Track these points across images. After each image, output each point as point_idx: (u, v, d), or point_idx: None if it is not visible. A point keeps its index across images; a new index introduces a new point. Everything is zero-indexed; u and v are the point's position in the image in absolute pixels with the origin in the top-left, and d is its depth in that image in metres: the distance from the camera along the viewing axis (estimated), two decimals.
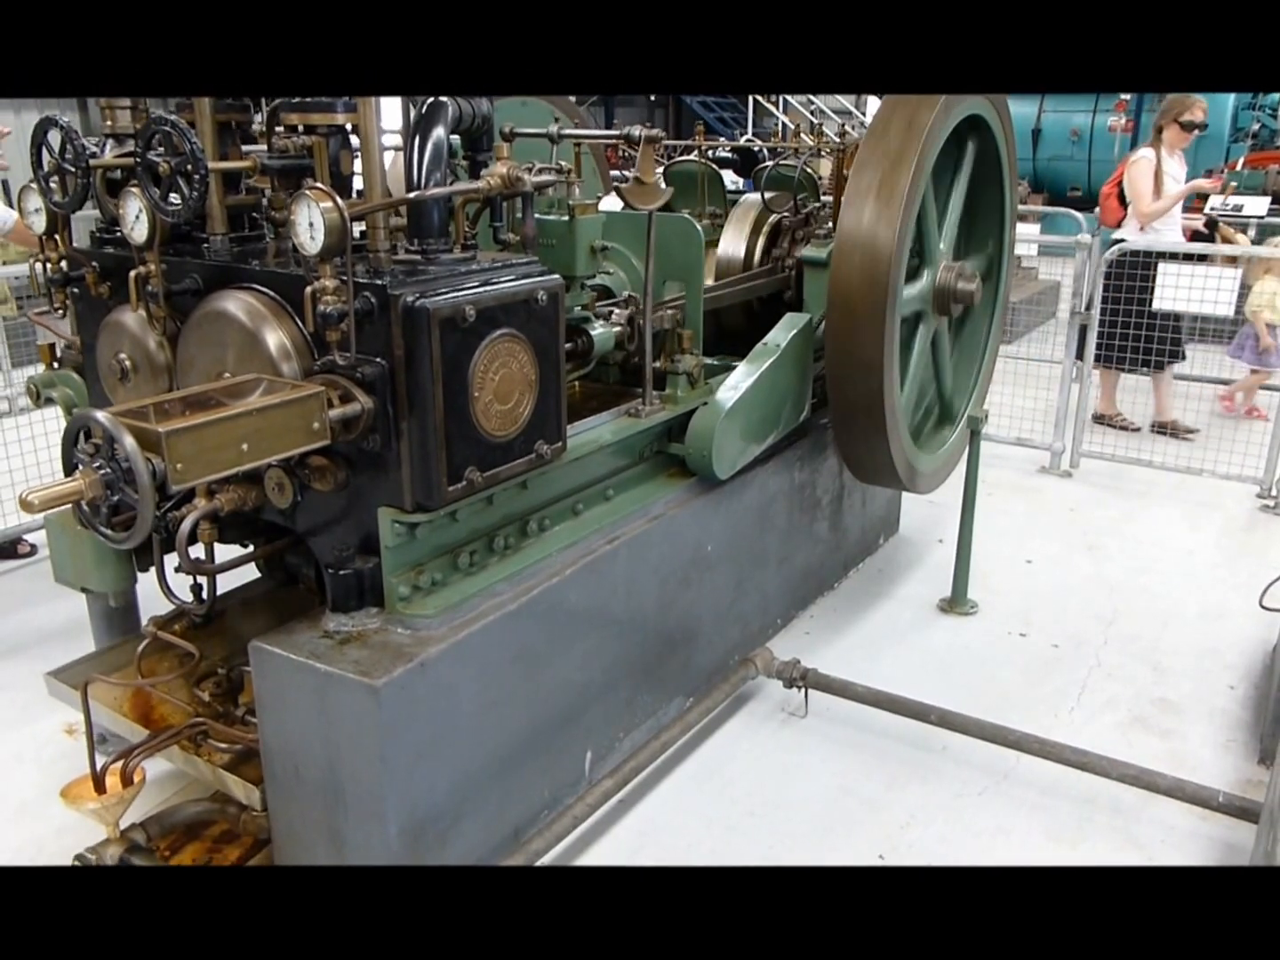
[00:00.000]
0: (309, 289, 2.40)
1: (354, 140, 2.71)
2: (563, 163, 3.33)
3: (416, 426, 2.50)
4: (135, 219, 2.68)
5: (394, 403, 2.50)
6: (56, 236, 3.05)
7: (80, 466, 2.23)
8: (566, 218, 3.25)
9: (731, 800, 3.38)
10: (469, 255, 2.72)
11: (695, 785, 3.45)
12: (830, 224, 4.24)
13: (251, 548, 3.14)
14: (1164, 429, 7.09)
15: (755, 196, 4.47)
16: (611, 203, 4.19)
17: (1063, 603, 4.72)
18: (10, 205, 5.29)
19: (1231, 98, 13.80)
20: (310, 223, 2.38)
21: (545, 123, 3.78)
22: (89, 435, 2.24)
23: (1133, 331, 6.69)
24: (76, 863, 2.66)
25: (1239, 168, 11.98)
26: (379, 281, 2.45)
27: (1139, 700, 3.97)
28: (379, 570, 2.66)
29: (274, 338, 2.57)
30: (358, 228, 2.59)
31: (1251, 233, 9.08)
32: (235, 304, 2.62)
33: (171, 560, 2.87)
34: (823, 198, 4.65)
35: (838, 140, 4.51)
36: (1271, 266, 7.47)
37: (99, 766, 2.67)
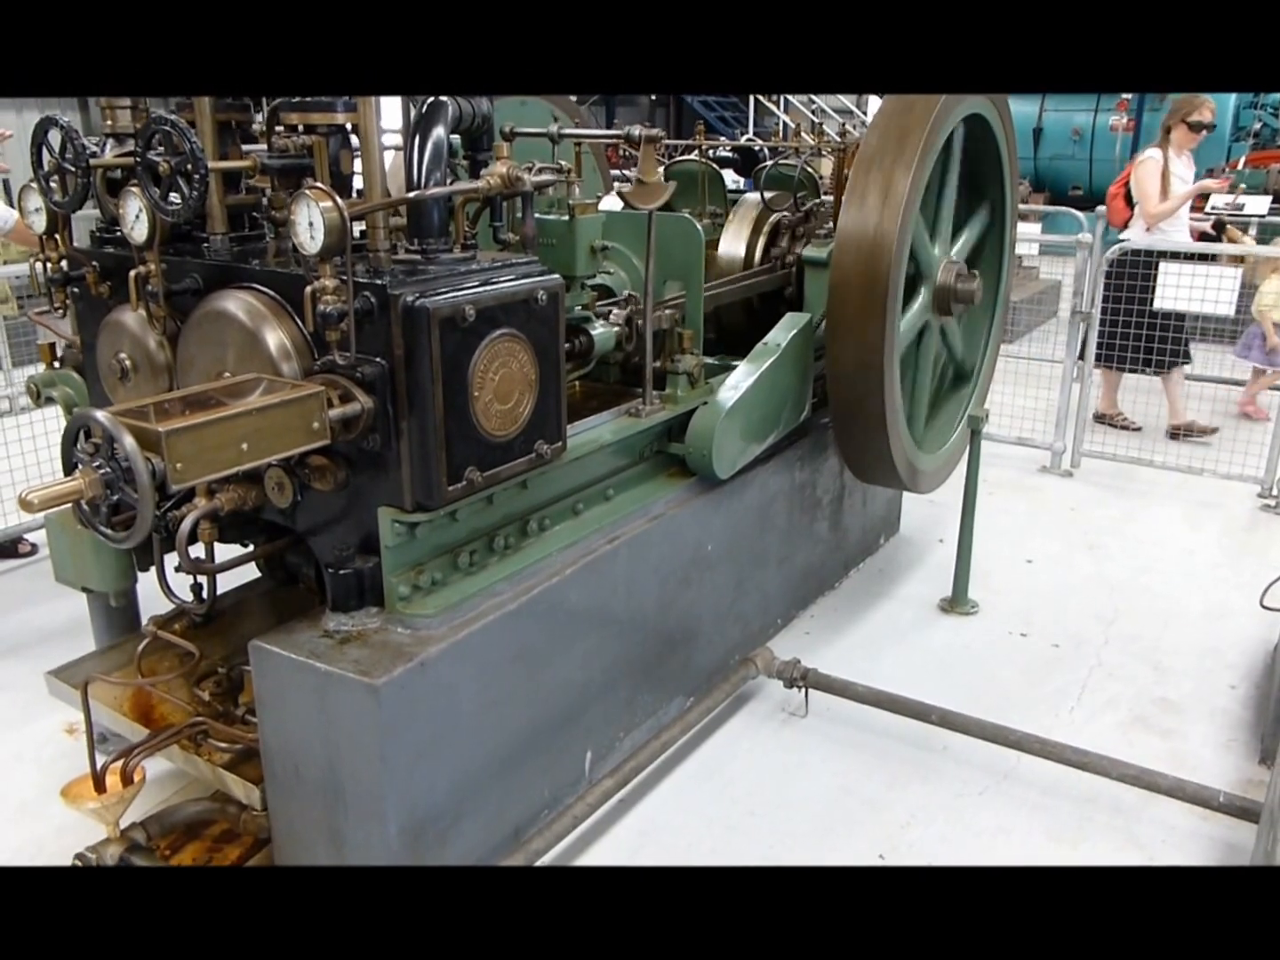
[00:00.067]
0: (309, 289, 2.40)
1: (354, 140, 2.71)
2: (563, 162, 3.33)
3: (416, 426, 2.50)
4: (135, 218, 2.68)
5: (394, 402, 2.50)
6: (57, 236, 3.04)
7: (80, 466, 2.23)
8: (566, 217, 3.24)
9: (732, 800, 3.38)
10: (469, 255, 2.72)
11: (695, 785, 3.45)
12: (831, 223, 4.24)
13: (251, 547, 3.14)
14: (1179, 433, 6.95)
15: (755, 196, 4.47)
16: (611, 202, 4.19)
17: (1063, 602, 4.72)
18: (11, 205, 5.28)
19: (1233, 96, 13.79)
20: (310, 222, 2.37)
21: (543, 122, 3.78)
22: (89, 435, 2.24)
23: (1133, 331, 6.68)
24: (76, 862, 2.65)
25: (1240, 166, 11.97)
26: (379, 281, 2.45)
27: (1140, 700, 3.97)
28: (379, 570, 2.66)
29: (274, 337, 2.57)
30: (358, 227, 2.59)
31: (1253, 231, 9.07)
32: (235, 303, 2.62)
33: (172, 560, 2.87)
34: (823, 197, 4.65)
35: (838, 139, 4.51)
36: (1279, 266, 7.46)
37: (99, 766, 2.67)
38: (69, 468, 2.26)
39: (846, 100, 18.31)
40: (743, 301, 4.37)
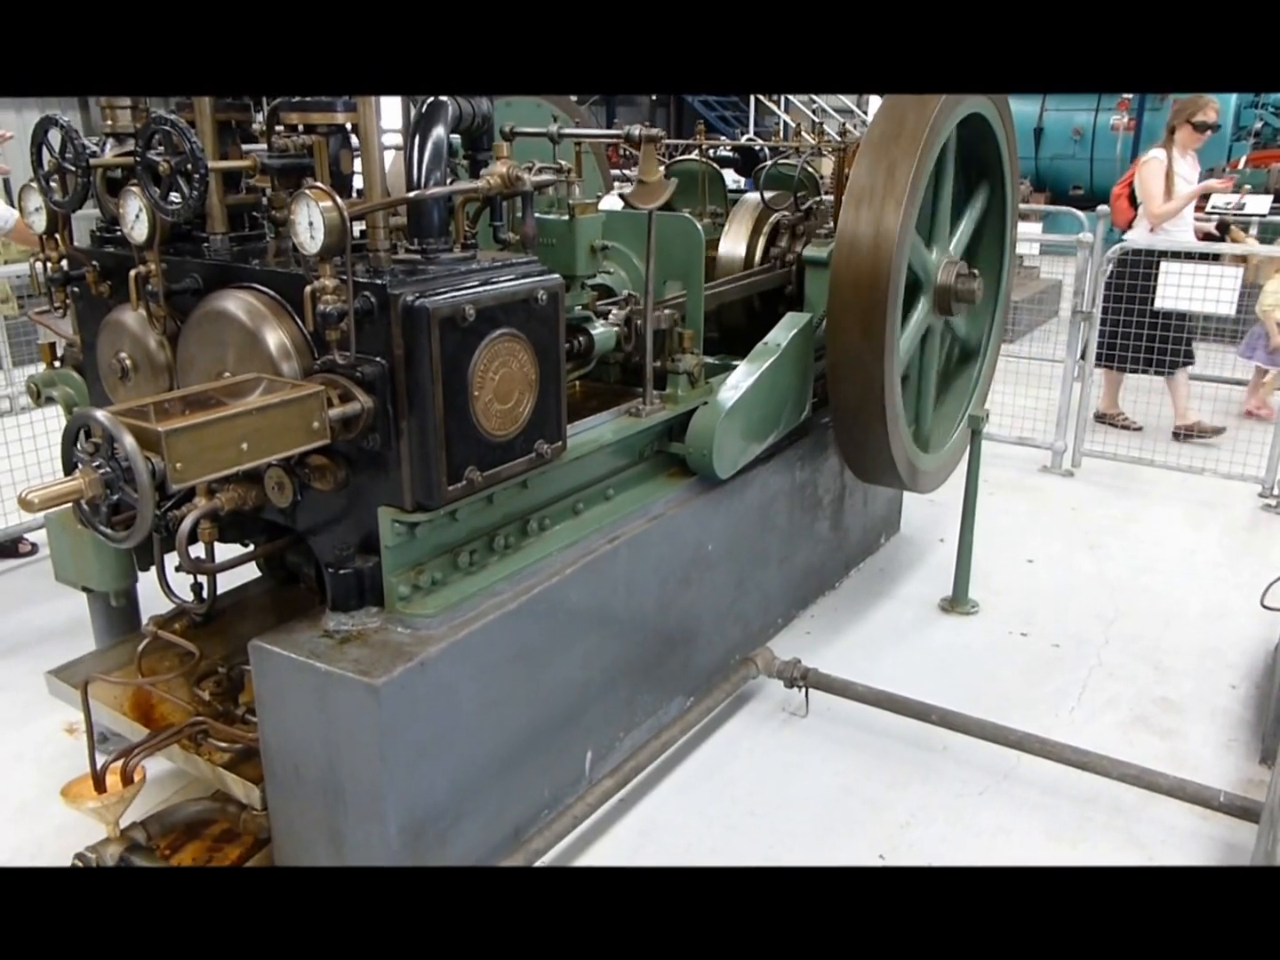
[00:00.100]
0: (309, 288, 2.40)
1: (354, 140, 2.71)
2: (563, 162, 3.33)
3: (416, 426, 2.50)
4: (135, 218, 2.68)
5: (394, 402, 2.50)
6: (57, 235, 3.05)
7: (80, 465, 2.23)
8: (566, 217, 3.25)
9: (732, 800, 3.38)
10: (469, 255, 2.72)
11: (696, 785, 3.45)
12: (831, 223, 4.24)
13: (252, 547, 3.14)
14: (1184, 434, 6.90)
15: (756, 196, 4.47)
16: (611, 202, 4.19)
17: (1064, 602, 4.72)
18: (11, 204, 5.28)
19: (1234, 96, 13.78)
20: (310, 222, 2.37)
21: (536, 120, 3.77)
22: (89, 434, 2.24)
23: (1133, 330, 6.68)
24: (77, 862, 2.66)
25: (1241, 166, 11.97)
26: (379, 281, 2.45)
27: (1140, 700, 3.97)
28: (379, 569, 2.66)
29: (274, 337, 2.57)
30: (357, 227, 2.58)
31: (1253, 231, 9.06)
32: (235, 303, 2.62)
33: (172, 559, 2.87)
34: (824, 196, 4.64)
35: (839, 139, 4.50)
36: None
37: (99, 765, 2.68)
38: (69, 467, 2.26)
39: (847, 100, 18.31)
40: (743, 301, 4.37)
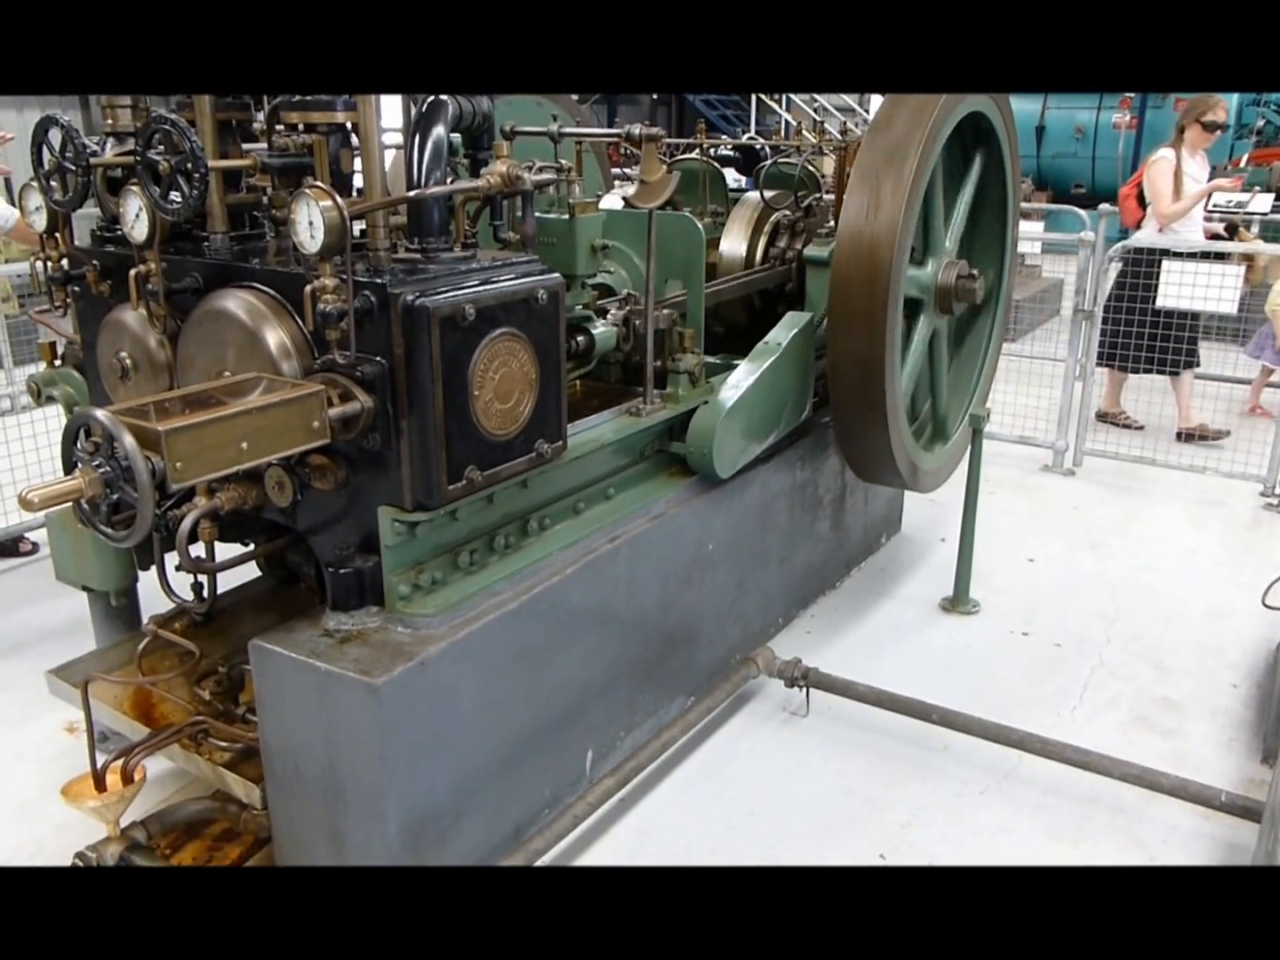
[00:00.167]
0: (309, 288, 2.40)
1: (354, 139, 2.71)
2: (563, 161, 3.32)
3: (416, 425, 2.50)
4: (135, 217, 2.68)
5: (394, 401, 2.50)
6: (57, 235, 3.05)
7: (80, 465, 2.23)
8: (567, 216, 3.24)
9: (732, 799, 3.38)
10: (469, 254, 2.72)
11: (696, 784, 3.45)
12: (832, 222, 4.23)
13: (252, 546, 3.14)
14: (1190, 436, 6.87)
15: (756, 195, 4.47)
16: (612, 201, 4.18)
17: (1065, 601, 4.71)
18: (12, 203, 5.28)
19: (1236, 94, 13.77)
20: (310, 221, 2.37)
21: (533, 118, 3.77)
22: (89, 433, 2.24)
23: (1135, 330, 6.66)
24: (77, 861, 2.65)
25: (1243, 164, 11.96)
26: (379, 280, 2.45)
27: (1141, 699, 3.96)
28: (379, 569, 2.66)
29: (274, 336, 2.56)
30: (358, 226, 2.58)
31: (1255, 229, 9.05)
32: (235, 302, 2.61)
33: (172, 559, 2.87)
34: (825, 196, 4.64)
35: (840, 138, 4.50)
36: None
37: (99, 765, 2.68)
38: (69, 466, 2.26)
39: (849, 99, 18.28)
40: (744, 299, 4.37)
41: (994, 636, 4.42)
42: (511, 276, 2.67)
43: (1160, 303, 6.44)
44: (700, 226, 3.67)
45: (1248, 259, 7.69)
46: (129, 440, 2.13)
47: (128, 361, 2.88)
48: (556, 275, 2.79)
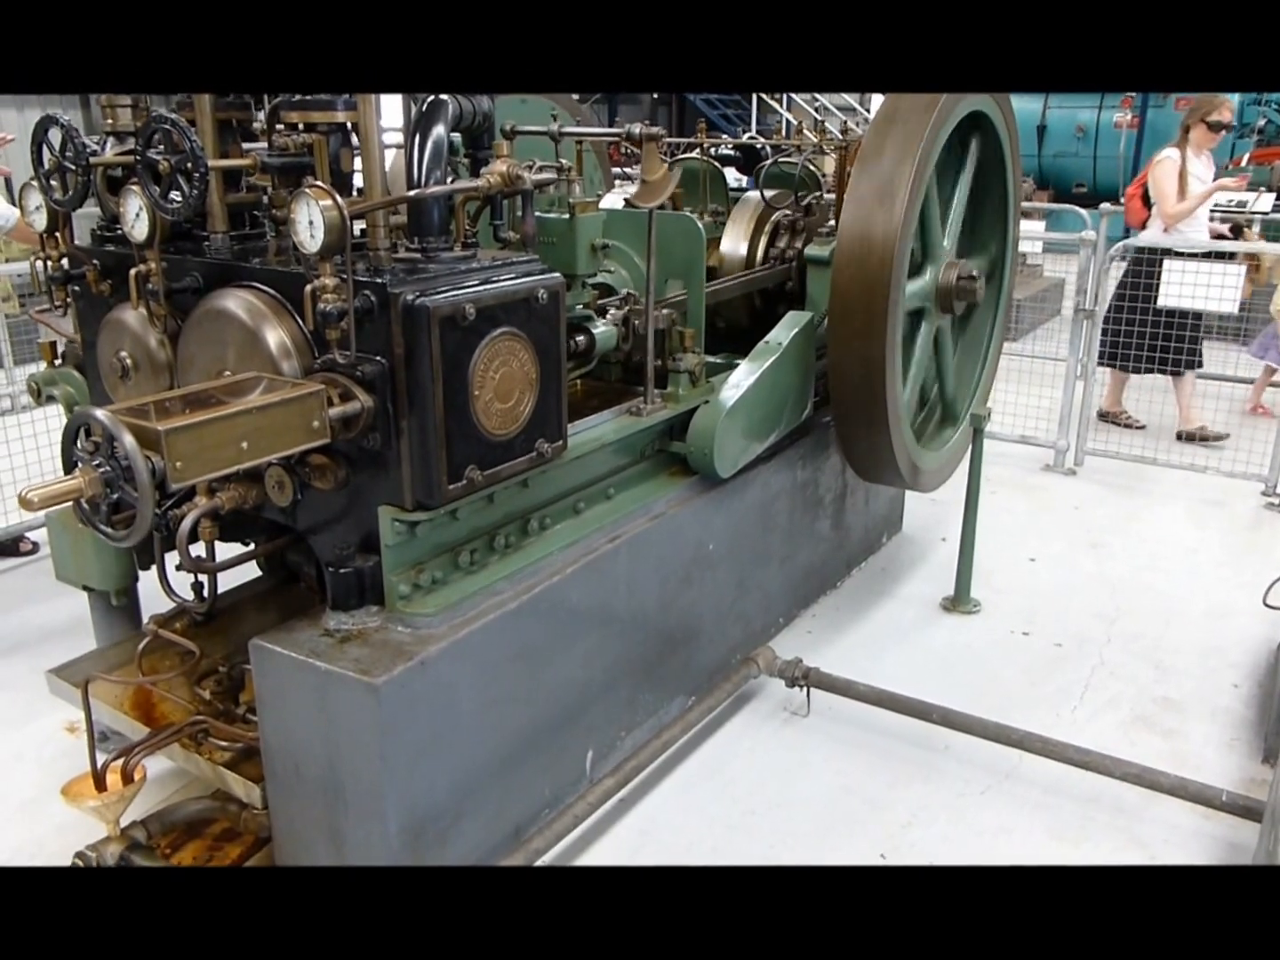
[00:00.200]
0: (309, 287, 2.40)
1: (354, 138, 2.71)
2: (563, 160, 3.32)
3: (417, 425, 2.50)
4: (136, 217, 2.68)
5: (394, 401, 2.50)
6: (57, 234, 3.05)
7: (80, 464, 2.23)
8: (567, 216, 3.24)
9: (733, 799, 3.38)
10: (469, 253, 2.72)
11: (697, 784, 3.45)
12: (833, 221, 4.23)
13: (252, 546, 3.14)
14: (1190, 437, 6.86)
15: (757, 194, 4.46)
16: (612, 200, 4.18)
17: (1066, 601, 4.71)
18: (12, 203, 5.28)
19: (1237, 94, 13.76)
20: (310, 221, 2.37)
21: (539, 120, 3.77)
22: (89, 433, 2.24)
23: (1136, 329, 6.65)
24: (77, 861, 2.65)
25: (1244, 163, 11.95)
26: (379, 280, 2.45)
27: (1142, 699, 3.96)
28: (379, 568, 2.66)
29: (274, 336, 2.56)
30: (358, 226, 2.58)
31: (1256, 229, 9.04)
32: (235, 302, 2.61)
33: (172, 558, 2.87)
34: (826, 195, 4.64)
35: (840, 137, 4.49)
36: None
37: (100, 764, 2.68)
38: (69, 466, 2.26)
39: (850, 98, 18.28)
40: (744, 299, 4.37)
41: (995, 636, 4.42)
42: (512, 276, 2.67)
43: (1161, 302, 6.43)
44: (700, 226, 3.67)
45: (1252, 259, 7.67)
46: (129, 440, 2.12)
47: (128, 361, 2.88)
48: (557, 275, 2.79)
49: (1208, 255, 6.46)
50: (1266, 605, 3.94)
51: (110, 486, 2.20)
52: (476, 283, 2.57)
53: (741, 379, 3.66)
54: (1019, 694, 3.97)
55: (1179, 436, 6.91)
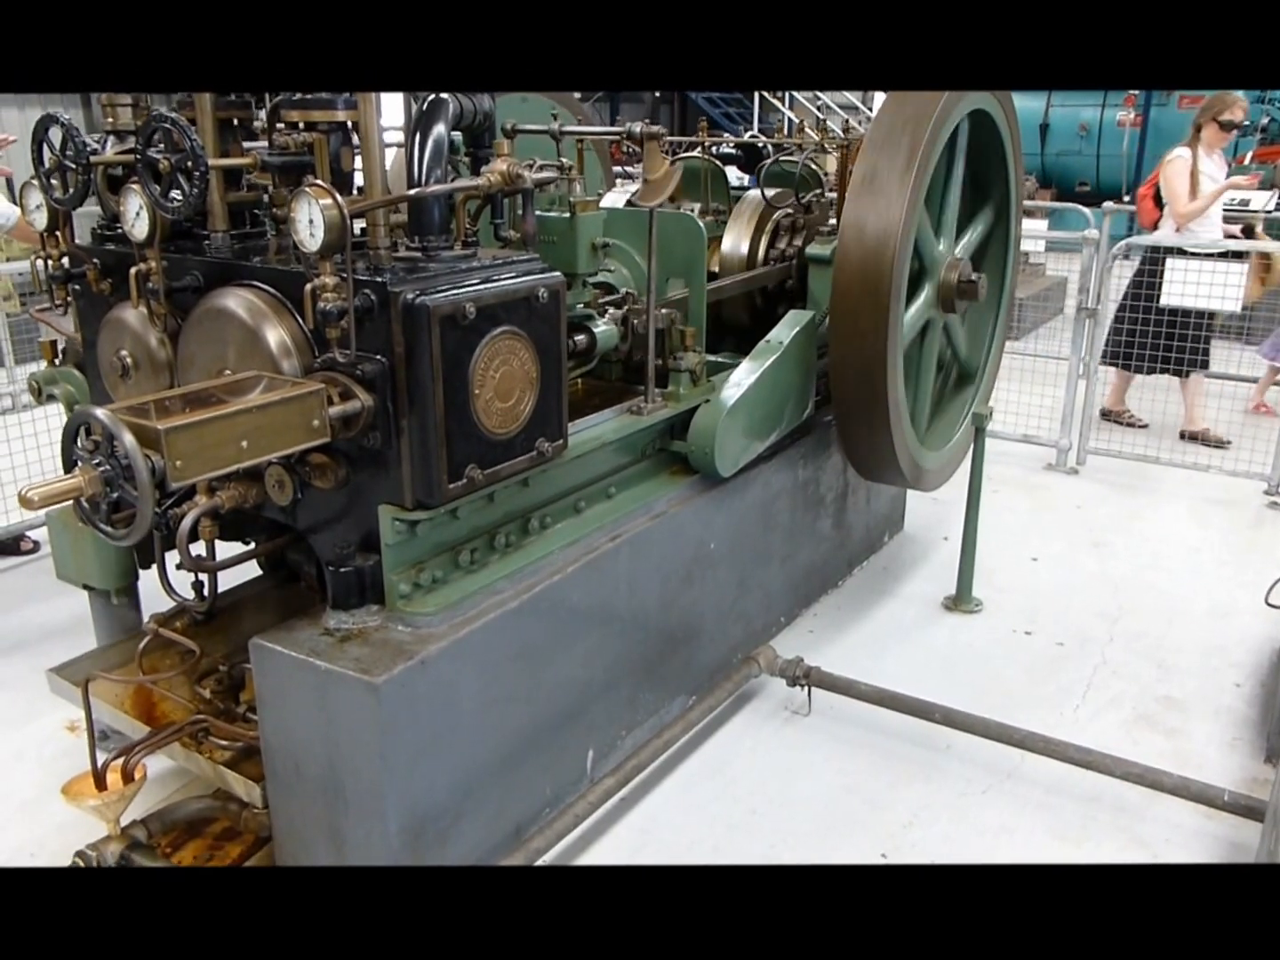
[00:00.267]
0: (309, 286, 2.39)
1: (355, 137, 2.70)
2: (564, 159, 3.31)
3: (417, 424, 2.50)
4: (136, 216, 2.68)
5: (394, 400, 2.49)
6: (58, 233, 3.04)
7: (80, 463, 2.23)
8: (567, 214, 3.24)
9: (734, 799, 3.37)
10: (470, 252, 2.71)
11: (697, 783, 3.44)
12: (834, 219, 4.22)
13: (252, 545, 3.14)
14: (1193, 437, 6.85)
15: (758, 193, 4.46)
16: (613, 199, 4.17)
17: (1068, 600, 4.70)
18: (13, 201, 5.28)
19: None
20: (310, 220, 2.37)
21: (540, 119, 3.77)
22: (89, 432, 2.23)
23: (1151, 330, 6.61)
24: (77, 860, 2.65)
25: (1247, 161, 11.93)
26: (379, 279, 2.45)
27: (1144, 698, 3.96)
28: (379, 568, 2.66)
29: (274, 335, 2.56)
30: (358, 225, 2.58)
31: (1259, 228, 9.01)
32: (236, 301, 2.61)
33: (173, 557, 2.87)
34: (828, 193, 4.63)
35: (842, 136, 4.49)
36: None
37: (100, 763, 2.68)
38: (69, 465, 2.26)
39: (852, 96, 18.26)
40: (745, 297, 4.36)
41: (997, 635, 4.41)
42: (512, 275, 2.67)
43: (1164, 301, 6.42)
44: (702, 224, 3.66)
45: (1264, 259, 7.64)
46: (129, 439, 2.12)
47: (128, 360, 2.88)
48: (557, 274, 2.79)
49: (1223, 255, 6.42)
50: (1269, 604, 3.93)
51: (110, 485, 2.20)
52: (477, 282, 2.57)
53: (742, 378, 3.66)
54: (1021, 693, 3.96)
55: (1182, 436, 6.90)
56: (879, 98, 16.35)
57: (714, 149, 4.95)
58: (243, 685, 3.00)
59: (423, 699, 2.58)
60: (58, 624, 4.22)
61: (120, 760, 2.67)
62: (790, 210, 4.43)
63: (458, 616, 2.72)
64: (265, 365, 2.54)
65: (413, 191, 2.63)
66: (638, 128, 3.12)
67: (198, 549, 2.79)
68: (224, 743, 2.86)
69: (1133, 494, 6.07)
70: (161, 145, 2.55)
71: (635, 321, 3.49)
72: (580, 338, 3.28)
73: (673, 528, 3.45)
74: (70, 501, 2.28)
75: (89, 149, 2.84)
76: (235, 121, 2.87)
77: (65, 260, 3.06)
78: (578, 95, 4.91)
